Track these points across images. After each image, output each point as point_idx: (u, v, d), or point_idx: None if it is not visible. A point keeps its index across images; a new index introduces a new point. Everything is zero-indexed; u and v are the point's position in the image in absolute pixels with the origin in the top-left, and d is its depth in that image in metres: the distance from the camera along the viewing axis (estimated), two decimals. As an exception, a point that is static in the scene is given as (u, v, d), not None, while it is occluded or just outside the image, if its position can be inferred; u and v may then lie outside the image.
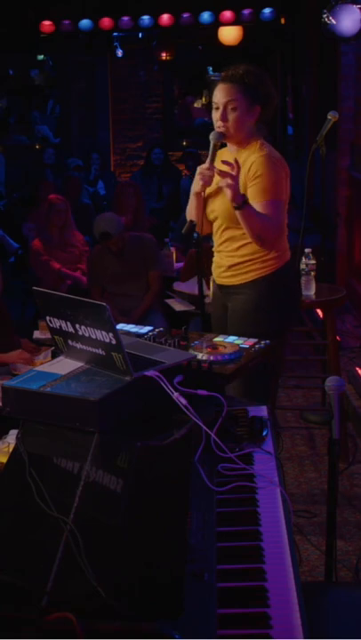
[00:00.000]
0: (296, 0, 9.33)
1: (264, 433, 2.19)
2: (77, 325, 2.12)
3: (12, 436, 2.57)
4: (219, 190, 3.26)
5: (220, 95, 3.23)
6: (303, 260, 4.22)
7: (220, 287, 3.46)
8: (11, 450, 1.98)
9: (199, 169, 3.25)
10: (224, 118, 3.22)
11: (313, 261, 4.26)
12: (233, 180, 3.05)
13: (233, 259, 3.34)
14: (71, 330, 2.16)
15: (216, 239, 3.41)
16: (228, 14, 9.58)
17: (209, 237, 3.55)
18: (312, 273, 4.21)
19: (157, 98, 12.41)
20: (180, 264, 5.85)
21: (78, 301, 2.12)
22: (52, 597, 1.36)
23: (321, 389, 4.58)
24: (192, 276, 5.17)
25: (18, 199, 9.63)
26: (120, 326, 2.71)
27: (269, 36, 10.67)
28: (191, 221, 3.29)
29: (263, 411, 2.35)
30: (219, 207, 3.30)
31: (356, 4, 5.82)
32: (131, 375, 2.04)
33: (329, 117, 4.64)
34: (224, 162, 3.11)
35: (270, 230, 3.20)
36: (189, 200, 3.38)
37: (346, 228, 7.06)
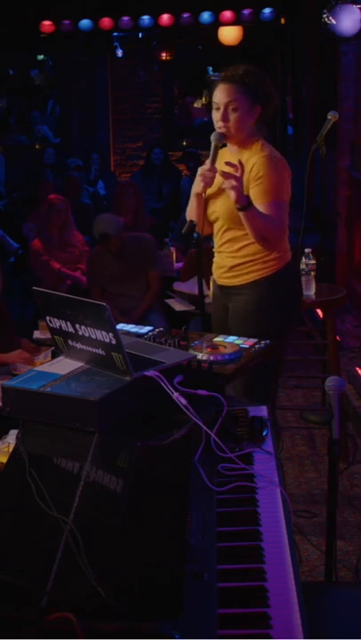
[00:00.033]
0: (296, 0, 9.33)
1: (264, 433, 2.19)
2: (77, 325, 2.12)
3: (12, 436, 2.57)
4: (220, 191, 3.26)
5: (220, 95, 3.23)
6: (303, 259, 4.23)
7: (220, 288, 3.46)
8: (11, 450, 1.98)
9: (200, 170, 3.24)
10: (225, 119, 3.22)
11: (313, 261, 4.26)
12: (237, 181, 3.04)
13: (234, 259, 3.33)
14: (71, 330, 2.16)
15: (217, 240, 3.41)
16: (228, 14, 9.58)
17: (209, 237, 3.54)
18: (312, 273, 4.21)
19: (157, 98, 12.41)
20: (180, 264, 5.85)
21: (78, 301, 2.12)
22: (52, 597, 1.36)
23: (321, 389, 4.58)
24: (192, 276, 5.17)
25: (18, 199, 9.64)
26: (120, 326, 2.71)
27: (269, 36, 10.67)
28: (191, 221, 3.28)
29: (263, 411, 2.35)
30: (220, 208, 3.29)
31: (357, 3, 5.82)
32: (131, 375, 2.04)
33: (329, 117, 4.64)
34: (228, 163, 3.10)
35: (273, 231, 3.20)
36: (190, 201, 3.37)
37: (346, 227, 7.06)
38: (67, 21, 9.73)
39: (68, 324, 2.15)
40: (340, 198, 7.05)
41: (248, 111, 3.23)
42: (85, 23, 9.72)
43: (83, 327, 2.11)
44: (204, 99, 13.07)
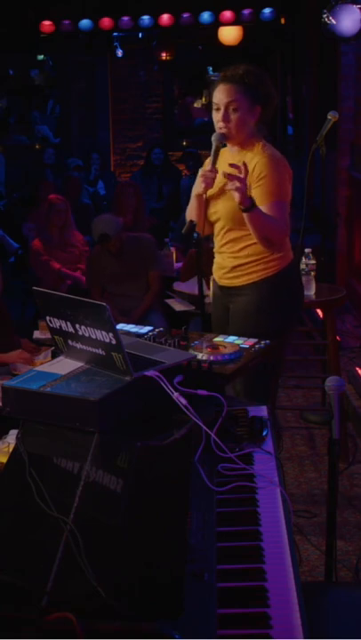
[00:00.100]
0: (296, 0, 9.33)
1: (264, 433, 2.19)
2: (77, 325, 2.13)
3: (12, 436, 2.57)
4: (221, 192, 3.26)
5: (220, 96, 3.22)
6: (303, 259, 4.23)
7: (221, 288, 3.45)
8: (11, 450, 1.98)
9: (201, 171, 3.24)
10: (226, 119, 3.21)
11: (313, 261, 4.26)
12: (241, 182, 3.03)
13: (236, 260, 3.33)
14: (71, 330, 2.16)
15: (218, 240, 3.40)
16: (228, 14, 9.58)
17: (209, 238, 3.54)
18: (312, 273, 4.22)
19: (157, 98, 12.41)
20: (180, 264, 5.85)
21: (78, 301, 2.12)
22: (52, 597, 1.36)
23: (321, 389, 4.58)
24: (192, 276, 5.17)
25: (18, 199, 9.64)
26: (120, 326, 2.71)
27: (269, 36, 10.67)
28: (191, 221, 3.28)
29: (263, 411, 2.35)
30: (222, 209, 3.29)
31: (357, 3, 5.83)
32: (131, 375, 2.04)
33: (329, 117, 4.64)
34: (232, 165, 3.10)
35: (277, 231, 3.20)
36: (190, 201, 3.37)
37: (346, 228, 7.06)
38: (67, 21, 9.73)
39: (68, 324, 2.15)
40: (340, 198, 7.05)
41: (248, 111, 3.23)
42: (85, 23, 9.72)
43: (83, 327, 2.11)
44: (204, 99, 13.06)
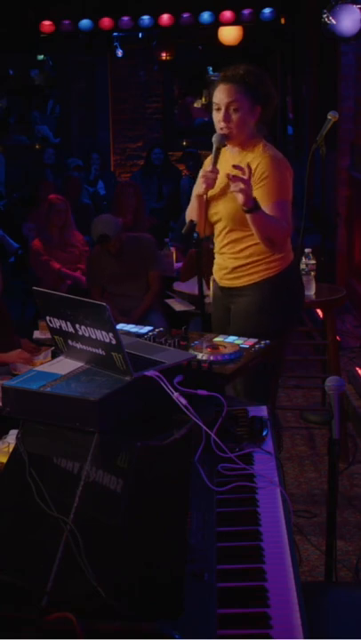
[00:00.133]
0: (296, 0, 9.33)
1: (264, 433, 2.19)
2: (77, 325, 2.13)
3: (12, 436, 2.57)
4: (222, 192, 3.25)
5: (221, 96, 3.22)
6: (303, 259, 4.23)
7: (222, 289, 3.44)
8: (11, 450, 1.98)
9: (202, 171, 3.24)
10: (227, 119, 3.20)
11: (313, 261, 4.26)
12: (245, 184, 3.03)
13: (237, 260, 3.33)
14: (71, 330, 2.16)
15: (219, 241, 3.39)
16: (228, 14, 9.57)
17: (209, 238, 3.54)
18: (312, 273, 4.22)
19: (157, 98, 12.41)
20: (180, 264, 5.85)
21: (78, 301, 2.12)
22: (52, 597, 1.36)
23: (321, 389, 4.58)
24: (192, 276, 5.17)
25: (18, 199, 9.64)
26: (120, 326, 2.71)
27: (269, 36, 10.67)
28: (191, 221, 3.28)
29: (263, 411, 2.35)
30: (223, 209, 3.29)
31: (357, 3, 5.83)
32: (131, 375, 2.04)
33: (329, 117, 4.64)
34: (235, 166, 3.09)
35: (279, 231, 3.19)
36: (190, 202, 3.36)
37: (346, 228, 7.06)
38: (67, 21, 9.73)
39: (68, 324, 2.15)
40: (340, 198, 7.05)
41: (249, 111, 3.22)
42: (85, 23, 9.72)
43: (83, 327, 2.11)
44: (204, 99, 13.05)
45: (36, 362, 3.89)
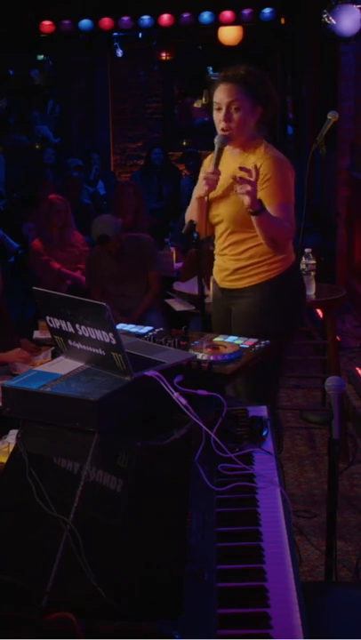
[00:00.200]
0: (296, 0, 9.33)
1: (264, 433, 2.19)
2: (77, 325, 2.13)
3: (12, 436, 2.56)
4: (224, 194, 3.25)
5: (222, 95, 3.21)
6: (303, 259, 4.23)
7: (222, 291, 3.43)
8: (11, 450, 1.98)
9: (204, 173, 3.23)
10: (228, 119, 3.19)
11: (313, 261, 4.26)
12: (252, 186, 3.03)
13: (239, 262, 3.32)
14: (71, 330, 2.16)
15: (220, 243, 3.38)
16: (228, 14, 9.58)
17: (209, 240, 3.52)
18: (312, 273, 4.22)
19: (157, 98, 12.42)
20: (180, 264, 5.85)
21: (78, 301, 2.12)
22: (52, 597, 1.36)
23: (321, 389, 4.58)
24: (192, 276, 5.17)
25: (18, 199, 9.64)
26: (120, 326, 2.71)
27: (269, 36, 10.67)
28: (191, 221, 3.27)
29: (263, 411, 2.35)
30: (224, 211, 3.28)
31: (357, 3, 5.83)
32: (131, 375, 2.04)
33: (329, 117, 4.65)
34: (242, 168, 3.09)
35: (283, 233, 3.19)
36: (190, 203, 3.35)
37: (346, 228, 7.06)
38: (67, 21, 9.73)
39: (68, 324, 2.15)
40: (340, 198, 7.05)
41: (250, 111, 3.22)
42: (85, 23, 9.72)
43: (83, 327, 2.11)
44: (204, 99, 13.07)
45: (35, 362, 3.89)
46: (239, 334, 2.84)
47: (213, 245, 3.47)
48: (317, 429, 4.55)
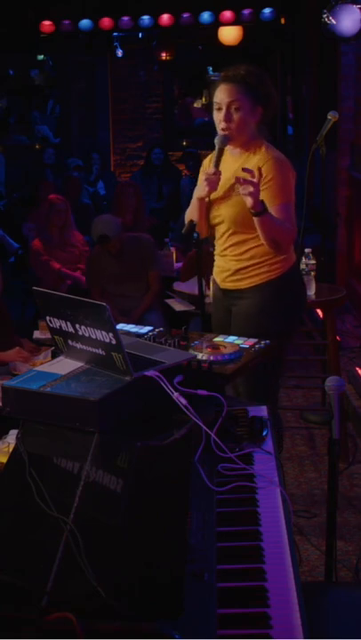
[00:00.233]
0: (296, 0, 9.33)
1: (264, 433, 2.19)
2: (77, 325, 2.12)
3: (12, 436, 2.57)
4: (225, 195, 3.24)
5: (222, 95, 3.20)
6: (303, 259, 4.23)
7: (223, 291, 3.43)
8: (11, 450, 1.98)
9: (205, 174, 3.22)
10: (228, 118, 3.19)
11: (313, 261, 4.26)
12: (254, 187, 3.02)
13: (240, 262, 3.31)
14: (71, 330, 2.16)
15: (221, 243, 3.38)
16: (228, 14, 9.58)
17: (209, 240, 3.52)
18: (312, 273, 4.22)
19: (157, 98, 12.42)
20: (180, 264, 5.85)
21: (78, 301, 2.12)
22: (52, 597, 1.36)
23: (321, 389, 4.58)
24: (192, 276, 5.17)
25: (18, 199, 9.64)
26: (120, 326, 2.70)
27: (269, 36, 10.67)
28: (191, 221, 3.27)
29: (263, 411, 2.35)
30: (225, 212, 3.27)
31: (357, 3, 5.83)
32: (131, 375, 2.03)
33: (329, 117, 4.65)
34: (245, 169, 3.08)
35: (285, 233, 3.19)
36: (191, 204, 3.34)
37: (346, 228, 7.06)
38: (67, 21, 9.73)
39: (68, 324, 2.15)
40: (340, 198, 7.05)
41: (250, 111, 3.21)
42: (85, 23, 9.72)
43: (83, 327, 2.11)
44: (204, 99, 13.08)
45: (35, 362, 3.89)
46: (239, 335, 2.84)
47: (213, 246, 3.47)
48: (317, 429, 4.55)
